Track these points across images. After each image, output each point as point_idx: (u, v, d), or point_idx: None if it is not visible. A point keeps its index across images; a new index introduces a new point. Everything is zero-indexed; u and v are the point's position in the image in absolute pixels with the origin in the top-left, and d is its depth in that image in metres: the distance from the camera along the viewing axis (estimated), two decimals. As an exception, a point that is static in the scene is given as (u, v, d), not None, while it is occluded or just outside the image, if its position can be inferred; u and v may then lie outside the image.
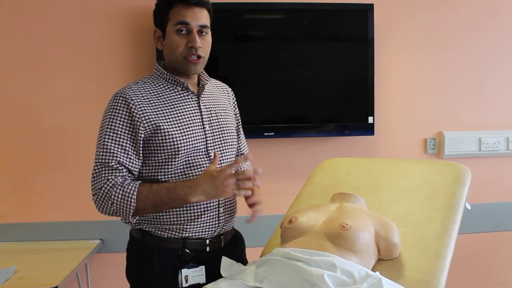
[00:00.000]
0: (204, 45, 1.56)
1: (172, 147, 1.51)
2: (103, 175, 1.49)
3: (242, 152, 1.85)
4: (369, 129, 2.70)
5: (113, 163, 1.49)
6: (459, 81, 2.86)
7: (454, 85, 2.86)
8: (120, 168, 1.49)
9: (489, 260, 2.97)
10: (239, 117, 1.85)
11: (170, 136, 1.51)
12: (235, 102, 1.83)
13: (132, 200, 1.46)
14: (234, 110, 1.80)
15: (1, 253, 2.47)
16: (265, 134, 2.61)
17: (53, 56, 2.60)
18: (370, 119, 2.69)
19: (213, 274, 1.52)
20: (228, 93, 1.79)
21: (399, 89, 2.82)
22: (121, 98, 1.52)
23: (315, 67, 2.68)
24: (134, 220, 1.54)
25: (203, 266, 1.57)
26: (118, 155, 1.49)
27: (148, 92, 1.55)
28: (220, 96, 1.72)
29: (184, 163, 1.54)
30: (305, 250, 1.37)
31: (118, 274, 2.70)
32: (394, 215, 1.62)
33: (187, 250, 1.56)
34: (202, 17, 1.54)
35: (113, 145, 1.49)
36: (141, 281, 1.61)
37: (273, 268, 1.38)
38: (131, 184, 1.48)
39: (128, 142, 1.50)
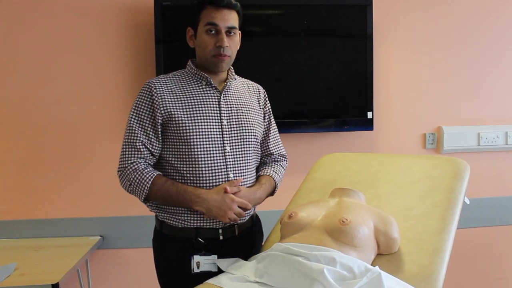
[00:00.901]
0: (232, 44, 1.68)
1: (184, 135, 1.63)
2: (128, 154, 1.65)
3: (272, 152, 1.88)
4: (368, 124, 2.70)
5: (137, 143, 1.64)
6: (458, 76, 2.86)
7: (453, 80, 2.86)
8: (143, 149, 1.65)
9: (488, 254, 2.98)
10: (271, 117, 1.90)
11: (183, 124, 1.62)
12: (267, 102, 1.90)
13: (145, 188, 1.62)
14: (263, 109, 1.87)
15: (1, 250, 2.47)
16: (265, 130, 2.61)
17: (52, 54, 2.59)
18: (369, 114, 2.69)
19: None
20: (259, 93, 1.88)
21: (398, 84, 2.82)
22: (147, 87, 1.67)
23: (314, 63, 2.68)
24: (148, 203, 1.70)
25: (215, 256, 1.64)
26: (141, 136, 1.65)
27: (173, 83, 1.70)
28: (246, 95, 1.80)
29: (199, 153, 1.63)
30: (304, 245, 1.38)
31: (118, 270, 2.73)
32: (393, 210, 1.63)
33: (199, 239, 1.65)
34: (230, 19, 1.65)
35: (137, 127, 1.65)
36: (161, 266, 1.75)
37: (273, 263, 1.39)
38: (150, 174, 1.63)
39: (150, 125, 1.65)
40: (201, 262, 1.63)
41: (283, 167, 1.89)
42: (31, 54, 2.58)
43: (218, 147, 1.65)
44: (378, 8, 2.70)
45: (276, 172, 1.83)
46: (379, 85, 2.76)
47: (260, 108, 1.84)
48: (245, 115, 1.74)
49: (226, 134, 1.67)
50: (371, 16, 2.65)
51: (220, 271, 1.56)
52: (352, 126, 2.71)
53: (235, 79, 1.81)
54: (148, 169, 1.64)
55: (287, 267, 1.35)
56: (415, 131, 2.86)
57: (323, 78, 2.69)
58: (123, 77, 2.63)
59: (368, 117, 2.69)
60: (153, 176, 1.62)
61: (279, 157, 1.90)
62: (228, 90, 1.74)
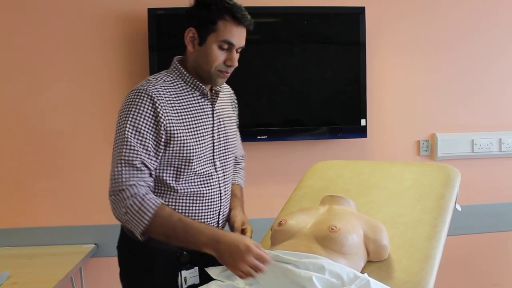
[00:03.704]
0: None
1: (187, 155, 1.50)
2: (126, 175, 1.43)
3: (237, 155, 1.84)
4: (362, 132, 2.70)
5: (137, 162, 1.43)
6: (451, 83, 2.87)
7: (446, 87, 2.87)
8: (143, 168, 1.44)
9: (483, 261, 2.97)
10: (237, 119, 1.83)
11: (186, 145, 1.49)
12: (237, 106, 1.81)
13: (145, 219, 1.40)
14: (235, 113, 1.78)
15: (-5, 259, 2.47)
16: (258, 137, 2.62)
17: (47, 61, 2.60)
18: (363, 122, 2.70)
19: (207, 274, 1.53)
20: (232, 97, 1.78)
21: (392, 91, 2.83)
22: (146, 96, 1.45)
23: (308, 70, 2.69)
24: (142, 238, 1.45)
25: (197, 267, 1.57)
26: (142, 155, 1.43)
27: (168, 93, 1.50)
28: (227, 102, 1.71)
29: (193, 171, 1.53)
30: (294, 252, 1.38)
31: (112, 278, 2.70)
32: (384, 217, 1.63)
33: (184, 252, 1.55)
34: (244, 38, 1.52)
35: (137, 142, 1.44)
36: (142, 283, 1.60)
37: (263, 274, 1.38)
38: (152, 202, 1.41)
39: (151, 142, 1.45)
40: (188, 277, 1.56)
41: (243, 169, 1.86)
42: (25, 62, 2.59)
43: (210, 162, 1.58)
44: (371, 15, 2.71)
45: (242, 179, 1.81)
46: (372, 93, 2.77)
47: (235, 115, 1.76)
48: (229, 126, 1.66)
49: (216, 147, 1.60)
50: (364, 24, 2.67)
51: (203, 282, 1.52)
52: (345, 133, 2.71)
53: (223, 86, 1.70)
54: (150, 196, 1.43)
55: (277, 274, 1.35)
56: (409, 138, 2.86)
57: (317, 85, 2.70)
58: (117, 84, 2.63)
59: (362, 125, 2.69)
60: (157, 205, 1.41)
61: (241, 158, 1.88)
62: (218, 101, 1.63)
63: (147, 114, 1.45)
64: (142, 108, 1.44)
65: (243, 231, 1.59)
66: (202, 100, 1.57)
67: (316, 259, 1.34)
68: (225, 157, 1.63)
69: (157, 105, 1.44)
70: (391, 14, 2.80)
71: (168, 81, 1.54)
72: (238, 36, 1.49)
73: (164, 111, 1.46)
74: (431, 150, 2.87)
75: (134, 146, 1.43)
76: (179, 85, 1.54)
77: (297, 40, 2.68)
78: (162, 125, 1.45)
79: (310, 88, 2.70)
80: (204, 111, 1.56)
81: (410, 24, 2.82)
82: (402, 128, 2.85)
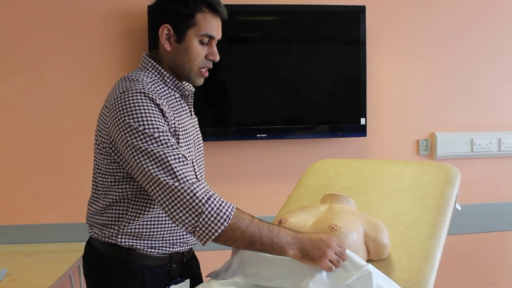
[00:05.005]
0: None
1: None
2: (186, 171, 1.27)
3: None
4: (361, 131, 2.71)
5: (181, 155, 1.29)
6: (451, 82, 2.87)
7: (446, 87, 2.87)
8: (188, 161, 1.32)
9: (481, 260, 2.98)
10: None
11: (183, 150, 1.40)
12: None
13: (225, 221, 1.25)
14: None
15: (-7, 256, 2.46)
16: (258, 135, 2.62)
17: (45, 59, 2.59)
18: (363, 121, 2.70)
19: (193, 284, 1.52)
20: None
21: (392, 90, 2.83)
22: (146, 97, 1.33)
23: (308, 68, 2.69)
24: (205, 244, 1.29)
25: (188, 280, 1.52)
26: (179, 149, 1.31)
27: (159, 95, 1.38)
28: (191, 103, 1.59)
29: None
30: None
31: (111, 276, 2.71)
32: (384, 215, 1.63)
33: (174, 265, 1.49)
34: (221, 30, 1.45)
35: (168, 138, 1.30)
36: None
37: (264, 264, 1.38)
38: (228, 202, 1.28)
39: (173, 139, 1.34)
40: None
41: None
42: (24, 59, 2.58)
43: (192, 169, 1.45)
44: (371, 14, 2.71)
45: None
46: (372, 91, 2.77)
47: None
48: (198, 129, 1.59)
49: (196, 153, 1.52)
50: (364, 22, 2.67)
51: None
52: (345, 132, 2.72)
53: None
54: (219, 196, 1.29)
55: (278, 266, 1.34)
56: (408, 138, 2.87)
57: (317, 84, 2.70)
58: (116, 82, 2.63)
59: (361, 123, 2.70)
60: (234, 206, 1.29)
61: None
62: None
63: (156, 113, 1.32)
64: (148, 108, 1.32)
65: None
66: (182, 101, 1.48)
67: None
68: (201, 161, 1.56)
69: (160, 106, 1.34)
70: (392, 13, 2.80)
71: (149, 82, 1.41)
72: (217, 28, 1.42)
73: (168, 113, 1.36)
74: (430, 149, 2.87)
75: (169, 141, 1.30)
76: (160, 87, 1.43)
77: (297, 38, 2.68)
78: (169, 128, 1.36)
79: (310, 86, 2.70)
80: (186, 114, 1.49)
81: (410, 23, 2.82)
82: (401, 127, 2.85)
